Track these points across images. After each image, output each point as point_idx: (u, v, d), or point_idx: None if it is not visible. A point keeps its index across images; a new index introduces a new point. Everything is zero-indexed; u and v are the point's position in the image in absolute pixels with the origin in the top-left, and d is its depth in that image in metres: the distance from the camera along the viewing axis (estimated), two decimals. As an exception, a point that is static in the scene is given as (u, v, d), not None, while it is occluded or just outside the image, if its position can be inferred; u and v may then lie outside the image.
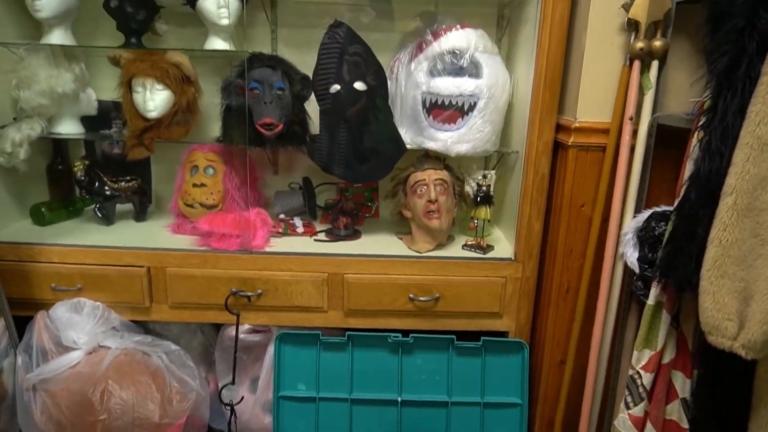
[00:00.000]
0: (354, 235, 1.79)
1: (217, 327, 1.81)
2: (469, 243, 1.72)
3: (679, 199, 1.07)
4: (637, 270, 1.37)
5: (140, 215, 1.88)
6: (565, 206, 1.51)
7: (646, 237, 1.30)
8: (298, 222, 1.85)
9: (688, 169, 1.08)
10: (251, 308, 1.66)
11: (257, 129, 1.64)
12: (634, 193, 1.41)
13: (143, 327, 1.76)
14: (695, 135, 1.06)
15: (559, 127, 1.53)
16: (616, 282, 1.46)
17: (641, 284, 1.32)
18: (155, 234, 1.78)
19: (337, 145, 1.64)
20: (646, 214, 1.35)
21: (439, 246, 1.71)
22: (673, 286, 1.12)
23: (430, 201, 1.61)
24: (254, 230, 1.70)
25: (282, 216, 1.89)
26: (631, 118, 1.38)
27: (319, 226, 1.89)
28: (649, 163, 1.42)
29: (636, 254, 1.38)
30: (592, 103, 1.45)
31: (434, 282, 1.62)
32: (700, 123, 1.02)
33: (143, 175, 1.96)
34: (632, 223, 1.40)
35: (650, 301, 1.20)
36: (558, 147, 1.55)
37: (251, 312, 1.67)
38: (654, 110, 1.38)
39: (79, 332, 1.58)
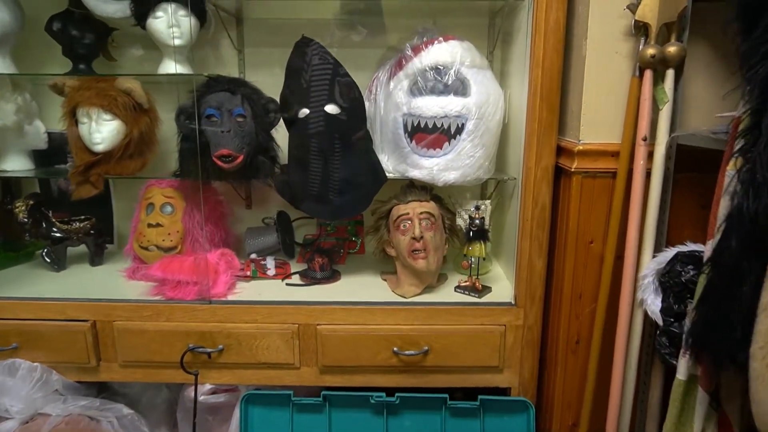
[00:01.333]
0: (332, 277, 1.56)
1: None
2: (463, 284, 1.48)
3: (715, 245, 0.82)
4: (660, 322, 1.11)
5: (96, 259, 1.66)
6: (571, 242, 1.26)
7: (670, 283, 1.04)
8: (270, 263, 1.62)
9: (724, 206, 0.83)
10: (212, 366, 1.43)
11: (215, 161, 1.42)
12: (652, 226, 1.16)
13: (99, 385, 1.53)
14: (731, 162, 0.82)
15: (561, 151, 1.29)
16: (635, 333, 1.20)
17: (666, 341, 1.06)
18: (109, 281, 1.56)
19: (308, 178, 1.43)
20: (669, 254, 1.10)
21: (428, 288, 1.47)
22: (709, 361, 0.86)
23: (414, 238, 1.38)
24: (215, 275, 1.47)
25: (253, 256, 1.67)
26: (645, 139, 1.14)
27: (295, 266, 1.66)
28: (669, 190, 1.17)
29: (658, 302, 1.13)
30: (598, 122, 1.21)
31: (422, 332, 1.38)
32: (738, 147, 0.77)
33: (104, 213, 1.76)
34: (652, 264, 1.15)
35: (681, 375, 0.95)
36: (560, 173, 1.32)
37: (212, 370, 1.44)
38: (672, 128, 1.14)
39: (13, 398, 1.36)
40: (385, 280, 1.56)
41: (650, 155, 1.17)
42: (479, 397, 1.40)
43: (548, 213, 1.32)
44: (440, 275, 1.53)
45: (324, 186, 1.42)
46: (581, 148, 1.22)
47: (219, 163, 1.41)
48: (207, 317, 1.41)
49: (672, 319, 1.04)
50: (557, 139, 1.29)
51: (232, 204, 1.78)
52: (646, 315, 1.19)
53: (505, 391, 1.46)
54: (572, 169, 1.23)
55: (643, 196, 1.16)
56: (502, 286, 1.51)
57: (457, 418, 1.41)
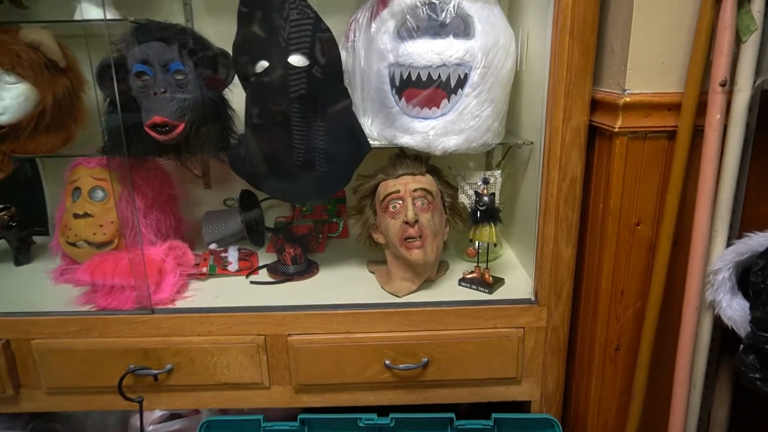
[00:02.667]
0: (307, 271, 1.25)
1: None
2: (469, 276, 1.18)
3: None
4: (740, 332, 0.80)
5: (20, 257, 1.33)
6: (611, 224, 0.95)
7: (760, 282, 0.73)
8: (232, 255, 1.30)
9: None
10: (161, 389, 1.13)
11: (148, 131, 1.08)
12: (727, 203, 0.84)
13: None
14: None
15: (597, 105, 0.97)
16: (702, 343, 0.89)
17: (756, 361, 0.75)
18: (32, 286, 1.24)
19: (270, 150, 1.11)
20: (759, 237, 0.78)
21: (427, 282, 1.17)
22: None
23: (407, 223, 1.07)
24: (160, 276, 1.15)
25: (213, 246, 1.34)
26: (723, 84, 0.80)
27: (265, 257, 1.34)
28: (749, 154, 0.85)
29: (735, 304, 0.82)
30: (651, 65, 0.89)
31: (420, 341, 1.09)
32: None
33: (33, 200, 1.42)
34: (729, 254, 0.83)
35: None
36: (596, 134, 1.00)
37: (162, 394, 1.14)
38: (758, 69, 0.81)
39: None
40: (372, 272, 1.24)
41: (725, 107, 0.83)
42: (493, 415, 1.11)
43: (579, 187, 1.01)
44: (440, 263, 1.23)
45: (291, 160, 1.10)
46: (628, 100, 0.89)
47: (153, 134, 1.08)
48: (150, 330, 1.10)
49: (766, 333, 0.73)
50: (591, 90, 0.95)
51: (186, 184, 1.45)
52: (716, 321, 0.88)
53: (523, 406, 1.17)
54: (615, 129, 0.90)
55: (718, 162, 0.83)
56: (517, 277, 1.20)
57: (467, 441, 1.12)
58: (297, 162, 1.11)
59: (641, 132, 0.91)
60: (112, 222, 1.20)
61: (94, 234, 1.19)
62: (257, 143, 1.14)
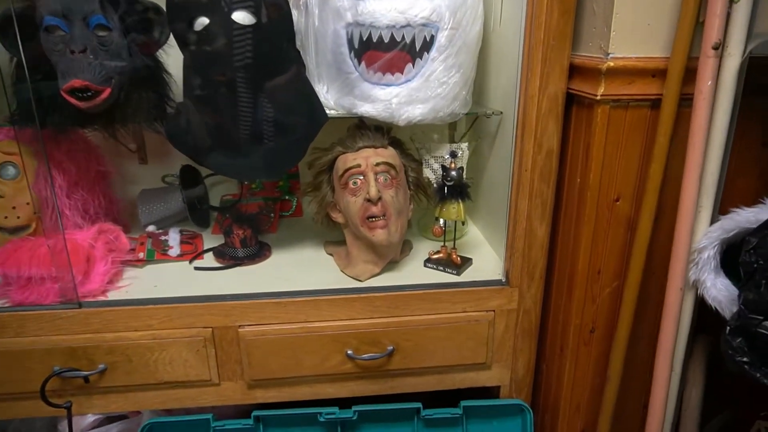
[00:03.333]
0: (258, 254, 1.13)
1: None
2: (434, 256, 1.09)
3: None
4: (725, 313, 0.75)
5: None
6: (590, 200, 0.89)
7: (760, 263, 0.67)
8: (173, 237, 1.16)
9: None
10: (94, 391, 1.00)
11: (66, 98, 0.92)
12: (714, 176, 0.78)
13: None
14: None
15: (576, 71, 0.90)
16: (683, 326, 0.85)
17: (744, 344, 0.71)
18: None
19: (212, 121, 0.99)
20: (746, 216, 0.72)
21: (391, 265, 1.08)
22: None
23: (369, 200, 0.97)
24: (89, 264, 1.01)
25: (151, 229, 1.20)
26: (716, 47, 0.73)
27: (211, 240, 1.21)
28: (734, 125, 0.79)
29: (719, 284, 0.76)
30: (636, 26, 0.81)
31: (385, 328, 1.00)
32: None
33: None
34: (715, 230, 0.78)
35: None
36: (572, 103, 0.92)
37: (94, 396, 1.01)
38: (749, 33, 0.74)
39: None
40: (331, 254, 1.14)
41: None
42: (462, 402, 1.05)
43: (556, 161, 0.93)
44: (404, 243, 1.14)
45: (237, 131, 0.99)
46: (612, 65, 0.81)
47: (72, 100, 0.92)
48: (77, 327, 0.96)
49: (762, 317, 0.68)
50: (570, 55, 0.87)
51: (118, 159, 1.28)
52: (698, 304, 0.83)
53: (491, 391, 1.11)
54: (597, 97, 0.82)
55: (706, 132, 0.77)
56: (485, 257, 1.13)
57: (434, 430, 1.05)
58: (244, 134, 0.99)
59: (624, 100, 0.84)
60: (27, 203, 1.03)
61: (6, 218, 1.02)
62: (198, 112, 1.00)
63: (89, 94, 0.91)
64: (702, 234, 0.80)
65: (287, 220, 1.33)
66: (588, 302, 0.96)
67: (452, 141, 1.25)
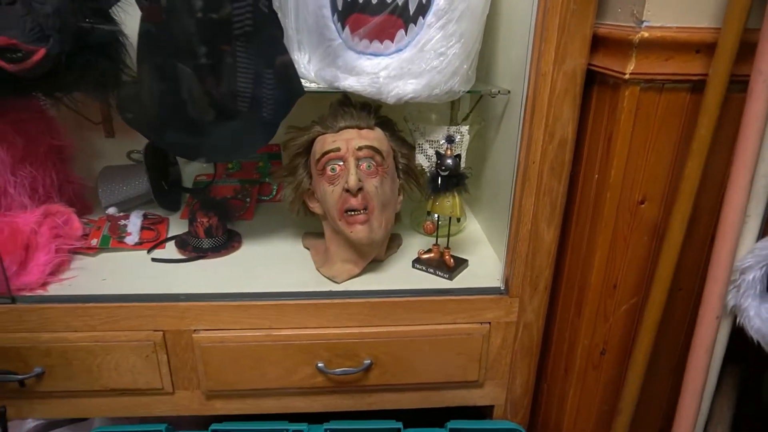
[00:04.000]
0: (226, 245, 1.01)
1: None
2: (425, 256, 0.96)
3: None
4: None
5: None
6: (610, 201, 0.75)
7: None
8: (133, 223, 1.04)
9: None
10: (32, 396, 0.89)
11: (-8, 60, 0.78)
12: (767, 179, 0.62)
13: None
14: None
15: (600, 43, 0.74)
16: (715, 357, 0.69)
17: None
18: None
19: (171, 92, 0.86)
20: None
21: (373, 263, 0.95)
22: None
23: (348, 191, 0.84)
24: (28, 253, 0.88)
25: (111, 211, 1.07)
26: (785, 14, 0.56)
27: (178, 226, 1.08)
28: (798, 114, 0.62)
29: (765, 312, 0.61)
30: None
31: (363, 338, 0.88)
32: None
33: None
34: (763, 246, 0.61)
35: None
36: (594, 83, 0.77)
37: (34, 401, 0.90)
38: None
39: None
40: (308, 248, 1.02)
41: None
42: (449, 424, 0.92)
43: (570, 152, 0.79)
44: (391, 237, 1.01)
45: (198, 106, 0.86)
46: (646, 35, 0.65)
47: (-2, 62, 0.77)
48: (10, 325, 0.84)
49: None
50: (594, 24, 0.71)
51: (81, 130, 1.15)
52: (735, 333, 0.68)
53: (483, 411, 0.98)
54: (625, 75, 0.66)
55: (763, 121, 0.61)
56: (483, 258, 1.00)
57: (416, 452, 0.92)
58: (207, 110, 0.86)
59: (658, 81, 0.68)
60: (-38, 181, 0.90)
61: (-63, 195, 0.89)
62: (155, 82, 0.86)
63: (19, 54, 0.77)
64: (747, 250, 0.64)
65: (266, 206, 1.20)
66: (600, 320, 0.82)
67: (452, 123, 1.10)
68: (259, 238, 1.05)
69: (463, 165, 0.90)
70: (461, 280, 0.92)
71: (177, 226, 1.08)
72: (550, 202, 0.81)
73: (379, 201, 0.87)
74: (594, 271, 0.79)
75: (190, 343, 0.86)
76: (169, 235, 1.04)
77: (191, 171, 1.23)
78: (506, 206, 0.87)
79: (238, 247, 1.02)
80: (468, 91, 0.88)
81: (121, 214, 1.08)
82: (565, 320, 0.89)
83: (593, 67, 0.74)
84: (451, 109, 1.14)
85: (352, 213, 0.86)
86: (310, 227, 1.06)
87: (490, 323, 0.89)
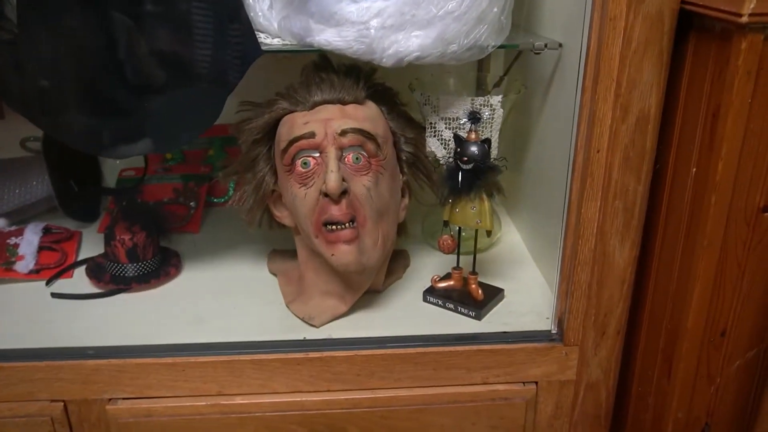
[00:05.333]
0: (158, 273, 0.97)
1: None
2: (441, 285, 0.93)
3: None
4: None
5: None
6: (716, 208, 0.69)
7: None
8: (29, 241, 1.02)
9: None
10: None
11: None
12: None
13: None
14: None
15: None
16: None
17: None
18: None
19: (69, 56, 0.82)
20: None
21: (368, 297, 0.92)
22: None
23: (326, 195, 0.80)
24: None
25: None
26: None
27: (94, 245, 1.05)
28: None
29: None
30: None
31: (351, 408, 0.84)
32: None
33: None
34: None
35: None
36: (690, 30, 0.72)
37: None
38: None
39: None
40: (275, 275, 0.98)
41: None
42: None
43: (653, 135, 0.73)
44: (394, 255, 0.97)
45: (112, 74, 0.82)
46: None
47: None
48: None
49: None
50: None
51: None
52: None
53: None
54: (741, 19, 0.62)
55: None
56: (525, 287, 0.96)
57: None
58: (126, 77, 0.81)
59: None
60: None
61: None
62: (47, 41, 0.80)
63: None
64: None
65: (219, 213, 1.19)
66: (701, 381, 0.77)
67: (480, 92, 1.06)
68: (207, 261, 1.03)
69: (494, 153, 0.87)
70: (494, 320, 0.88)
71: (92, 245, 1.05)
72: (624, 208, 0.76)
73: (372, 209, 0.82)
74: (691, 311, 0.74)
75: (104, 417, 0.82)
76: (79, 259, 1.02)
77: (114, 164, 1.21)
78: (558, 213, 0.84)
79: (175, 275, 0.99)
80: (501, 46, 0.84)
81: (12, 228, 1.04)
82: (648, 380, 0.85)
83: (689, 7, 0.68)
84: (477, 71, 1.12)
85: (334, 227, 0.80)
86: (280, 243, 1.03)
87: (536, 383, 0.85)
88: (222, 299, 0.92)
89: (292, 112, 0.85)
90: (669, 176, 0.79)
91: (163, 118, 0.83)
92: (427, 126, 0.91)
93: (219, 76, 0.81)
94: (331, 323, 0.86)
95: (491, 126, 0.88)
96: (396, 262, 0.97)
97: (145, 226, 0.95)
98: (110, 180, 1.19)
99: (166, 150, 1.16)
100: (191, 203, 1.13)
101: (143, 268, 0.95)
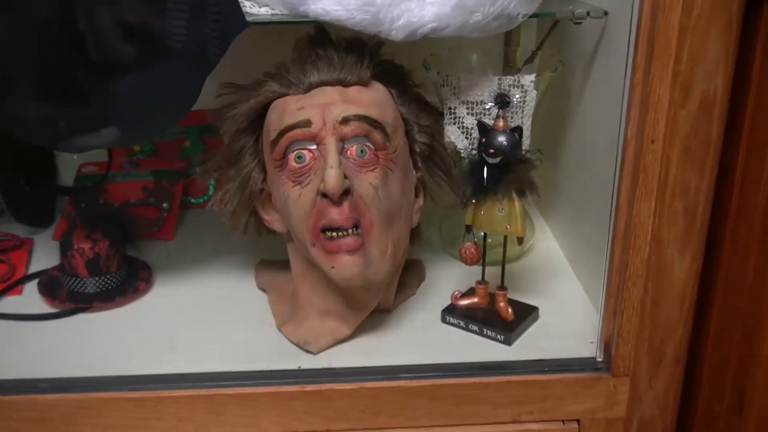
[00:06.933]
0: (124, 288, 1.00)
1: None
2: (464, 303, 0.96)
3: None
4: None
5: None
6: None
7: None
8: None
9: None
10: None
11: None
12: None
13: None
14: None
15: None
16: None
17: None
18: None
19: (8, 34, 0.85)
20: None
21: (375, 317, 0.94)
22: None
23: (326, 196, 0.83)
24: None
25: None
26: None
27: (48, 254, 1.09)
28: None
29: None
30: None
31: None
32: None
33: None
34: None
35: None
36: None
37: None
38: None
39: None
40: (264, 290, 1.02)
41: None
42: None
43: (720, 123, 0.75)
44: (407, 266, 1.00)
45: (66, 53, 0.86)
46: None
47: None
48: None
49: None
50: None
51: None
52: None
53: None
54: None
55: None
56: (564, 305, 0.99)
57: None
58: (79, 56, 0.85)
59: None
60: None
61: None
62: None
63: None
64: None
65: (196, 216, 1.23)
66: None
67: (508, 70, 1.11)
68: (182, 274, 1.06)
69: (526, 144, 0.90)
70: (527, 345, 0.90)
71: (46, 254, 1.09)
72: (685, 210, 0.78)
73: (380, 212, 0.84)
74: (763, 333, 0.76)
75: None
76: (30, 272, 1.05)
77: (72, 159, 1.25)
78: (604, 216, 0.85)
79: (145, 291, 1.02)
80: (534, 15, 0.87)
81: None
82: (714, 417, 0.88)
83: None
84: (505, 45, 1.15)
85: (335, 234, 0.82)
86: (270, 253, 1.06)
87: (578, 422, 0.88)
88: (201, 321, 0.94)
89: (283, 95, 0.87)
90: (739, 172, 0.80)
91: (130, 103, 0.86)
92: (445, 112, 0.94)
93: (196, 53, 0.84)
94: (331, 349, 0.88)
95: (522, 111, 0.90)
96: (409, 276, 1.00)
97: (109, 232, 0.98)
98: (67, 178, 1.23)
99: (134, 141, 1.18)
100: (164, 205, 1.16)
101: (106, 282, 0.97)
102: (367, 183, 0.83)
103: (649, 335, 0.83)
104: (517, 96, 0.89)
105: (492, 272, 0.93)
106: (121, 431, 0.83)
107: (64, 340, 0.91)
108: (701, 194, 0.77)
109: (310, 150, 0.83)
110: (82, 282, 0.96)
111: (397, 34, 0.81)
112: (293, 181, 0.84)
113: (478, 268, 0.94)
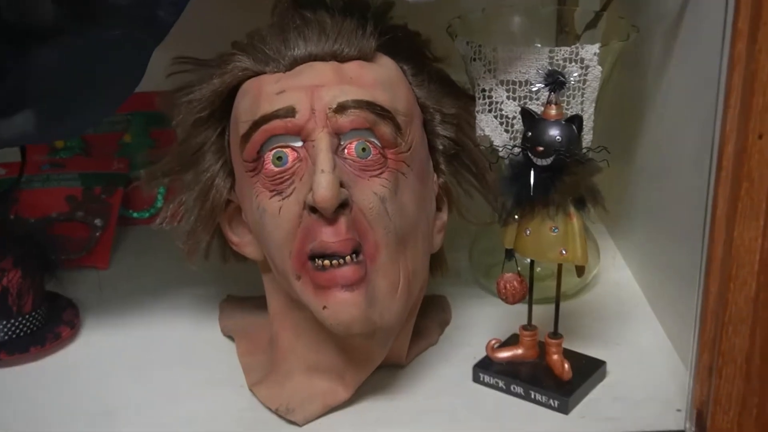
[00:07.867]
0: (41, 335, 1.02)
1: None
2: (504, 355, 0.96)
3: None
4: None
5: None
6: None
7: None
8: None
9: None
10: None
11: None
12: None
13: None
14: None
15: None
16: None
17: None
18: None
19: None
20: None
21: (386, 374, 0.95)
22: None
23: (314, 210, 0.82)
24: None
25: None
26: None
27: None
28: None
29: None
30: None
31: None
32: None
33: None
34: None
35: None
36: None
37: None
38: None
39: None
40: (231, 337, 1.03)
41: None
42: None
43: None
44: (425, 305, 1.00)
45: None
46: None
47: None
48: None
49: None
50: None
51: None
52: None
53: None
54: None
55: None
56: (642, 357, 1.01)
57: None
58: None
59: None
60: None
61: None
62: None
63: None
64: None
65: (139, 235, 1.28)
66: None
67: (561, 40, 1.12)
68: (120, 316, 1.08)
69: (587, 140, 0.92)
70: (591, 413, 0.91)
71: None
72: None
73: (389, 232, 0.84)
74: None
75: None
76: None
77: None
78: (694, 238, 0.86)
79: (69, 338, 1.04)
80: None
81: None
82: None
83: None
84: (558, 4, 1.19)
85: (328, 263, 0.82)
86: (239, 287, 1.09)
87: None
88: (145, 378, 0.96)
89: (258, 74, 0.89)
90: None
91: (54, 83, 0.90)
92: (477, 95, 0.95)
93: (142, 17, 0.87)
94: (321, 419, 0.88)
95: (582, 95, 0.92)
96: (428, 318, 1.02)
97: (22, 258, 0.99)
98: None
99: (57, 136, 1.20)
100: (96, 221, 1.19)
101: (18, 327, 1.00)
102: (371, 193, 0.82)
103: (757, 401, 0.82)
104: (576, 74, 0.90)
105: (542, 313, 0.94)
106: None
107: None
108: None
109: (293, 148, 0.84)
110: (-14, 324, 0.98)
111: (411, -2, 0.83)
112: (271, 190, 0.84)
113: (522, 308, 0.94)
